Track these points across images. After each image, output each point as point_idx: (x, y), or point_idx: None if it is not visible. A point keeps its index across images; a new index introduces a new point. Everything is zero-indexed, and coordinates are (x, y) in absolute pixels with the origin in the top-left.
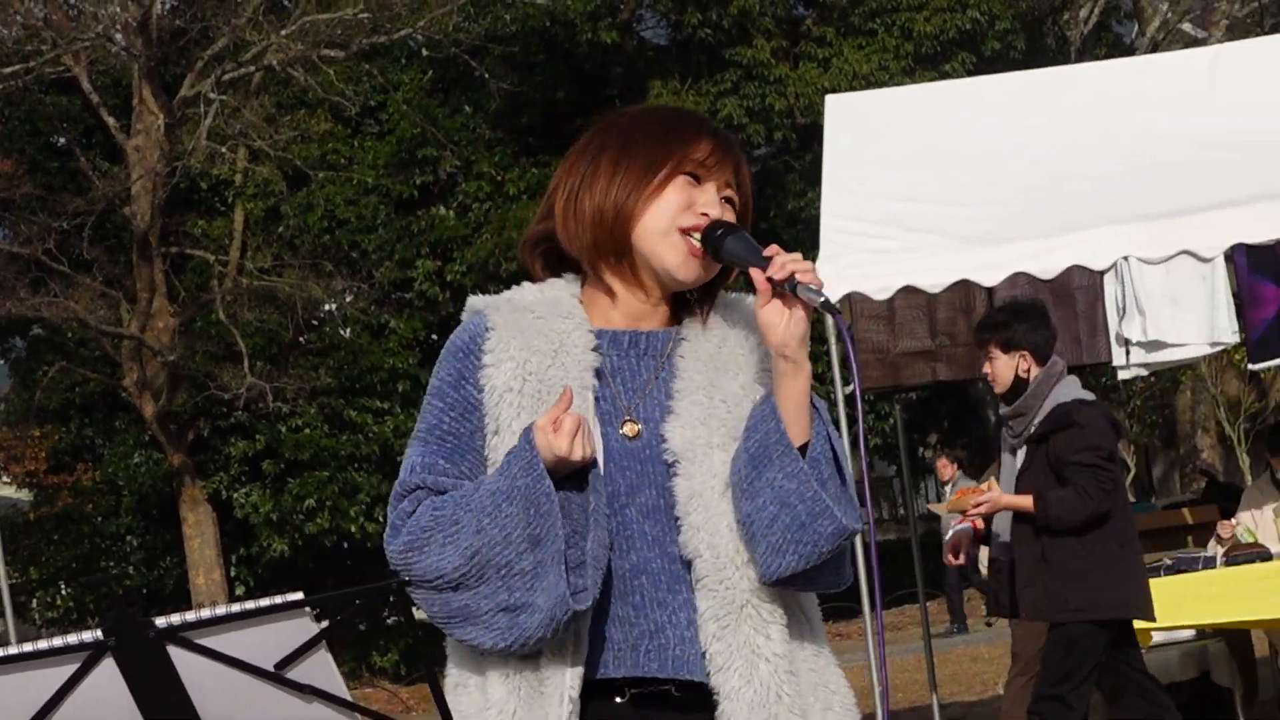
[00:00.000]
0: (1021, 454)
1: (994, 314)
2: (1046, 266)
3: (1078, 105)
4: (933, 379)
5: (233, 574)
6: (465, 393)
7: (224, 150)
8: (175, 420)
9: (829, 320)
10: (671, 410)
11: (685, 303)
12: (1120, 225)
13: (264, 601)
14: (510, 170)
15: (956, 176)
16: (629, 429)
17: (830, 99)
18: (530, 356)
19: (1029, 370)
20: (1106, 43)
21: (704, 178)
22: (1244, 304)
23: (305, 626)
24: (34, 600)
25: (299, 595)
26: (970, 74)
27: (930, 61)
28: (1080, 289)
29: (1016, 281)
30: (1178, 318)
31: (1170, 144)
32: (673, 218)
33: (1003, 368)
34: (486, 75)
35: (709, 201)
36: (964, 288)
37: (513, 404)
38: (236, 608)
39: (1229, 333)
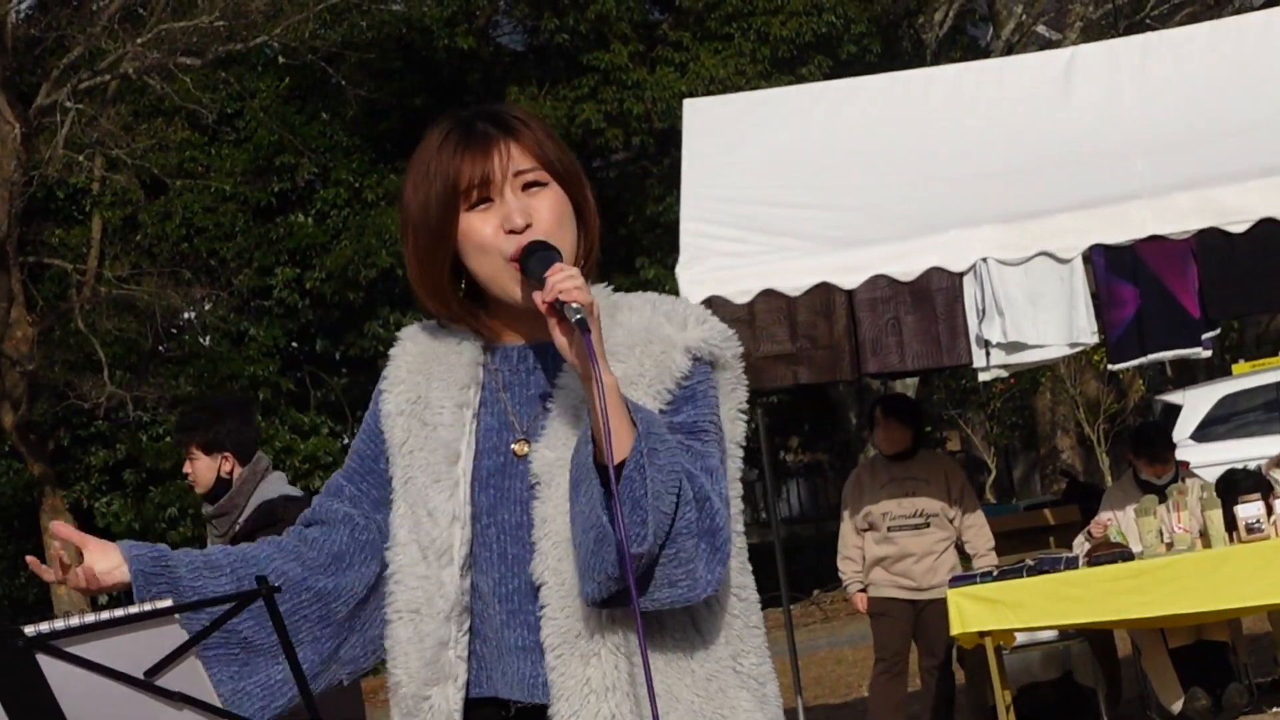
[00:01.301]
0: None
1: (194, 414)
2: (906, 269)
3: (935, 108)
4: (794, 382)
5: None
6: (372, 417)
7: (81, 159)
8: (35, 430)
9: None
10: (546, 429)
11: None
12: (979, 227)
13: (133, 609)
14: (368, 177)
15: (815, 179)
16: (519, 447)
17: (687, 103)
18: (420, 379)
19: (232, 470)
20: (962, 45)
21: (490, 193)
22: (1103, 305)
23: (174, 633)
24: None
25: (168, 602)
26: (826, 78)
27: (786, 65)
28: (940, 291)
29: (876, 284)
30: (1037, 319)
31: (1027, 146)
32: (494, 251)
33: (204, 469)
34: (343, 82)
35: (508, 215)
36: (824, 290)
37: (403, 427)
38: (106, 615)
39: (1088, 333)
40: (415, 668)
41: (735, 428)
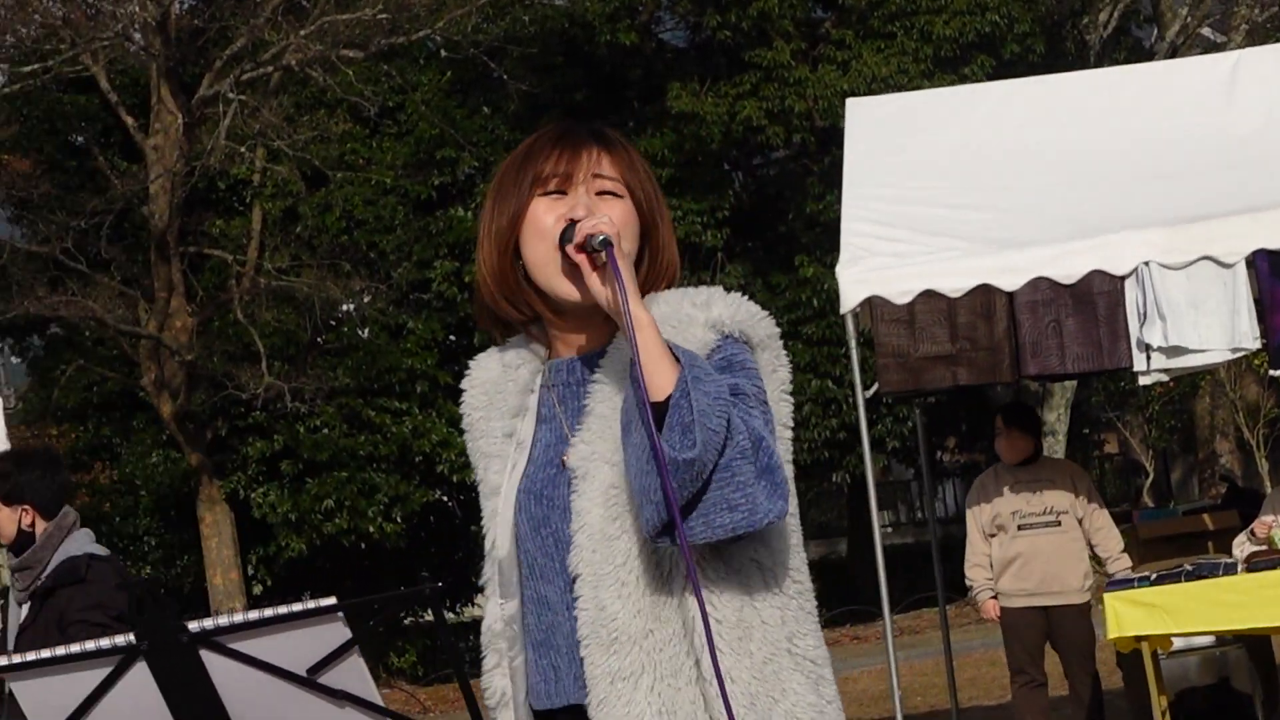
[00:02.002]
0: (27, 608)
1: None
2: (1067, 271)
3: (1099, 109)
4: (953, 383)
5: (250, 573)
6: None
7: (242, 150)
8: (193, 420)
9: (849, 321)
10: (584, 425)
11: None
12: (1141, 230)
13: (297, 606)
14: None
15: (977, 180)
16: (568, 456)
17: (850, 103)
18: (481, 413)
19: (33, 523)
20: (1126, 47)
21: (566, 186)
22: (1265, 309)
23: (337, 631)
24: None
25: (332, 600)
26: (989, 77)
27: (949, 65)
28: (1101, 294)
29: (1037, 286)
30: (1199, 323)
31: (1192, 149)
32: (548, 240)
33: (5, 520)
34: (505, 76)
35: (574, 206)
36: (985, 292)
37: (475, 463)
38: (270, 612)
39: (1250, 338)
40: (486, 694)
41: (781, 409)
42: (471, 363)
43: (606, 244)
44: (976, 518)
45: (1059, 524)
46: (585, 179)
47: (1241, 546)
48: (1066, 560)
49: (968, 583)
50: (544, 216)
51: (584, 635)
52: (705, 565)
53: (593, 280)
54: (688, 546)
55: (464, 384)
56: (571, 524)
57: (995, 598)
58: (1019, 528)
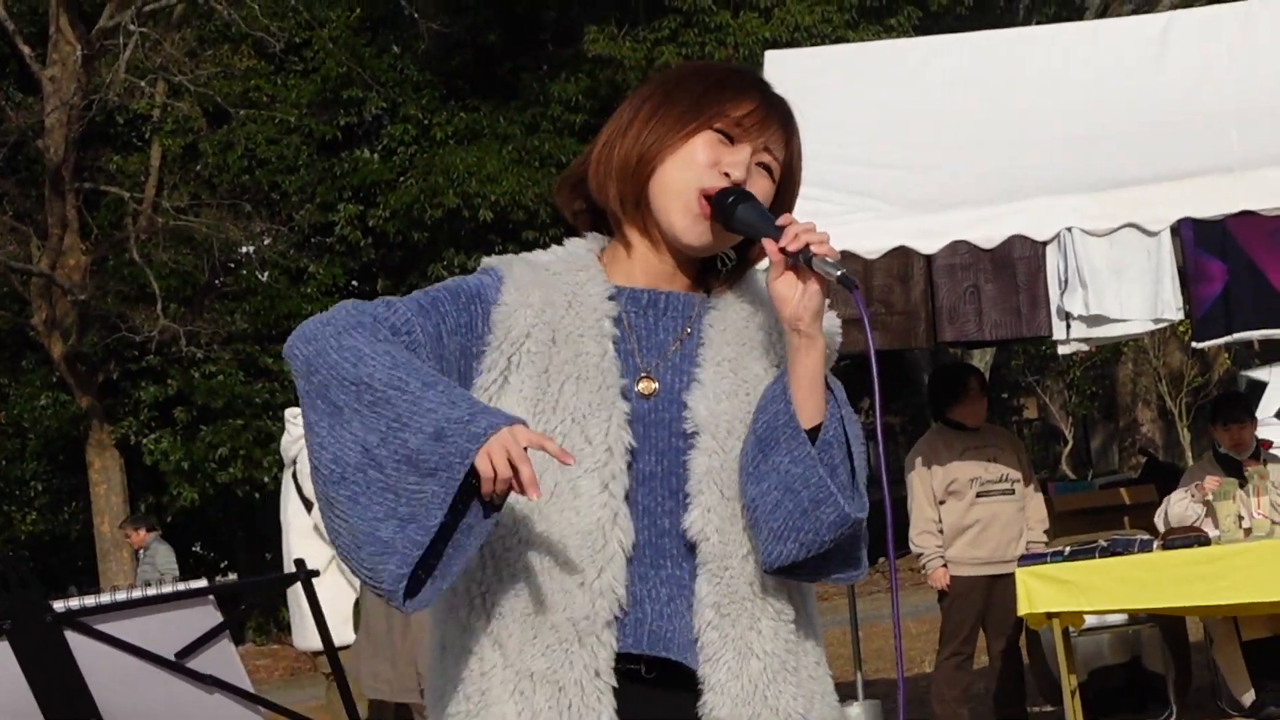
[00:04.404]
0: None
1: None
2: (987, 235)
3: (1026, 69)
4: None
5: None
6: (474, 311)
7: (143, 84)
8: (84, 361)
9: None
10: (696, 379)
11: (717, 273)
12: (1065, 195)
13: (167, 588)
14: (438, 114)
15: (898, 140)
16: (644, 385)
17: (769, 55)
18: (546, 307)
19: None
20: (1056, 2)
21: (738, 138)
22: (1189, 280)
23: (208, 614)
24: None
25: (203, 582)
26: (915, 29)
27: (874, 15)
28: (1021, 259)
29: (956, 250)
30: (1121, 292)
31: (1119, 113)
32: (695, 174)
33: None
34: (416, 15)
35: (736, 163)
36: (902, 255)
37: (528, 349)
38: (139, 593)
39: (1173, 309)
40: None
41: None
42: (497, 260)
43: (850, 282)
44: (926, 483)
45: (1013, 492)
46: (757, 143)
47: (1182, 503)
48: (1015, 529)
49: (915, 549)
50: (702, 151)
51: (717, 601)
52: (760, 596)
53: (787, 289)
54: (898, 607)
55: (502, 270)
56: (691, 483)
57: (945, 566)
58: (978, 495)
